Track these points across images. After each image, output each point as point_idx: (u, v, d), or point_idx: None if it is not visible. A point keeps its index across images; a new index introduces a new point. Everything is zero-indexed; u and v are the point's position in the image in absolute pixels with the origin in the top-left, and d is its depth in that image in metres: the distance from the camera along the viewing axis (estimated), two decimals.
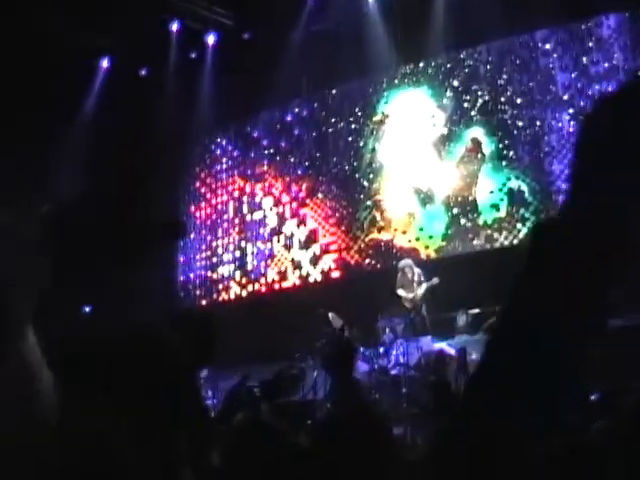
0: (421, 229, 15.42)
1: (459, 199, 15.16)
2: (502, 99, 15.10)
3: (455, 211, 15.18)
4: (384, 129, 16.33)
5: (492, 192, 14.85)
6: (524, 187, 14.53)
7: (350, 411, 3.12)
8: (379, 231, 15.98)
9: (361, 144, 16.46)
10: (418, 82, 16.12)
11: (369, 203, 16.18)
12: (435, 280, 13.22)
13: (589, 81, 14.29)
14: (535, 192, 14.39)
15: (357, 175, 16.41)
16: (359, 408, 3.50)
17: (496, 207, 14.75)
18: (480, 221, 14.92)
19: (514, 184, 14.63)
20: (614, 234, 1.01)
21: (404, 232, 15.67)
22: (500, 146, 14.95)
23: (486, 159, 15.07)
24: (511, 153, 14.84)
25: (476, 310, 13.60)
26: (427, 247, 15.34)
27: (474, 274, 13.36)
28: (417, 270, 13.55)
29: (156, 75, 16.96)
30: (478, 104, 15.32)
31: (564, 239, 1.04)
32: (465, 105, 15.49)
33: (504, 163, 14.87)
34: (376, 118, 16.46)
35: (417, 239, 15.44)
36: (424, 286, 13.28)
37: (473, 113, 15.37)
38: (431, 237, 15.33)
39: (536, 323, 1.04)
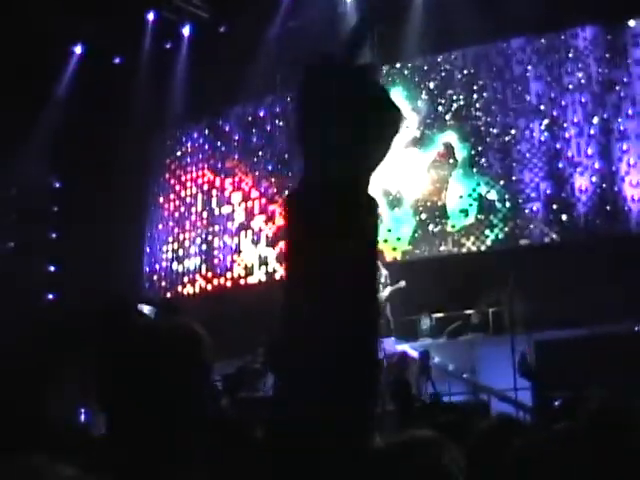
0: (389, 230, 15.41)
1: (428, 204, 15.19)
2: (477, 105, 15.17)
3: (423, 216, 15.20)
4: None
5: (461, 197, 14.92)
6: (493, 193, 14.61)
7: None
8: None
9: None
10: (393, 82, 16.12)
11: None
12: (402, 283, 13.17)
13: (563, 91, 14.41)
14: (504, 199, 14.48)
15: None
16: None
17: (465, 212, 14.82)
18: (448, 227, 14.97)
19: (484, 190, 14.70)
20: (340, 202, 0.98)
21: None
22: (472, 152, 15.00)
23: (458, 165, 15.13)
24: (482, 160, 14.92)
25: (440, 314, 13.67)
26: (394, 249, 15.34)
27: (440, 278, 13.41)
28: (384, 272, 13.48)
29: (130, 64, 16.82)
30: (453, 109, 15.38)
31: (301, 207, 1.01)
32: (439, 109, 15.54)
33: (475, 170, 14.93)
34: None
35: (385, 241, 15.42)
36: (389, 288, 13.23)
37: (447, 117, 15.42)
38: (399, 239, 15.34)
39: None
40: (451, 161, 15.24)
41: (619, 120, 13.87)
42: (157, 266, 18.12)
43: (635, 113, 13.79)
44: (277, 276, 16.41)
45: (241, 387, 10.95)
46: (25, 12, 13.96)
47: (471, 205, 14.79)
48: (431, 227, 15.09)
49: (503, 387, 10.57)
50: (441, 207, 15.12)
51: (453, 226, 14.87)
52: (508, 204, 14.43)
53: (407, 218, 15.33)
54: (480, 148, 14.98)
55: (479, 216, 14.71)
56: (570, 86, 14.38)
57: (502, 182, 14.64)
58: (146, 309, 12.50)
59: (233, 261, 17.17)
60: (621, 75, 14.00)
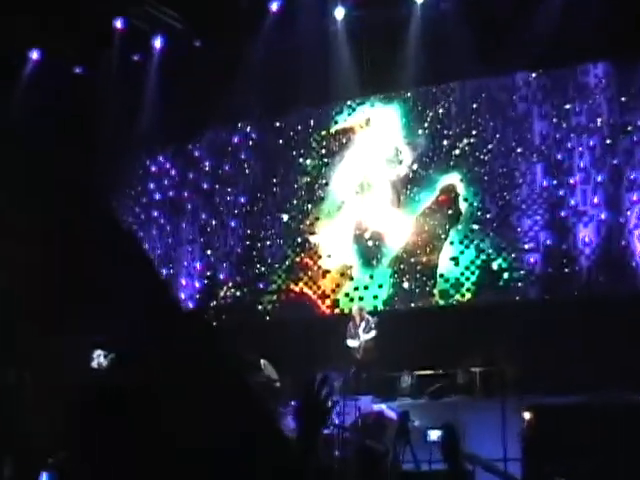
0: (371, 277, 14.89)
1: (412, 260, 14.57)
2: (475, 145, 14.56)
3: (405, 284, 14.62)
4: (338, 158, 15.76)
5: (452, 243, 14.33)
6: (487, 242, 14.06)
7: None
8: (318, 278, 15.46)
9: (310, 176, 15.85)
10: (390, 101, 15.53)
11: (308, 246, 15.65)
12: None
13: (568, 132, 13.88)
14: (499, 248, 13.95)
15: (300, 212, 15.88)
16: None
17: (455, 261, 14.25)
18: (435, 290, 14.35)
19: (477, 237, 14.15)
20: None
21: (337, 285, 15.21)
22: (475, 204, 14.32)
23: (460, 219, 14.40)
24: (480, 205, 14.28)
25: (422, 372, 13.20)
26: (375, 297, 14.77)
27: (424, 332, 13.13)
28: (367, 317, 13.24)
29: (93, 75, 16.38)
30: (456, 147, 14.69)
31: None
32: (444, 143, 14.83)
33: (474, 220, 14.33)
34: (333, 130, 15.83)
35: (365, 288, 14.90)
36: (372, 333, 12.97)
37: (454, 155, 14.68)
38: (380, 286, 14.76)
39: None
40: (450, 212, 14.44)
41: (630, 168, 13.34)
42: None
43: None
44: None
45: None
46: None
47: (462, 253, 14.17)
48: (407, 285, 14.52)
49: (491, 456, 10.15)
50: (430, 268, 14.44)
51: (441, 275, 14.30)
52: (504, 254, 13.90)
53: (383, 279, 14.73)
54: (478, 192, 14.37)
55: (471, 266, 14.09)
56: (578, 128, 13.81)
57: (498, 230, 14.01)
58: (98, 354, 11.82)
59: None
60: (635, 118, 13.45)
